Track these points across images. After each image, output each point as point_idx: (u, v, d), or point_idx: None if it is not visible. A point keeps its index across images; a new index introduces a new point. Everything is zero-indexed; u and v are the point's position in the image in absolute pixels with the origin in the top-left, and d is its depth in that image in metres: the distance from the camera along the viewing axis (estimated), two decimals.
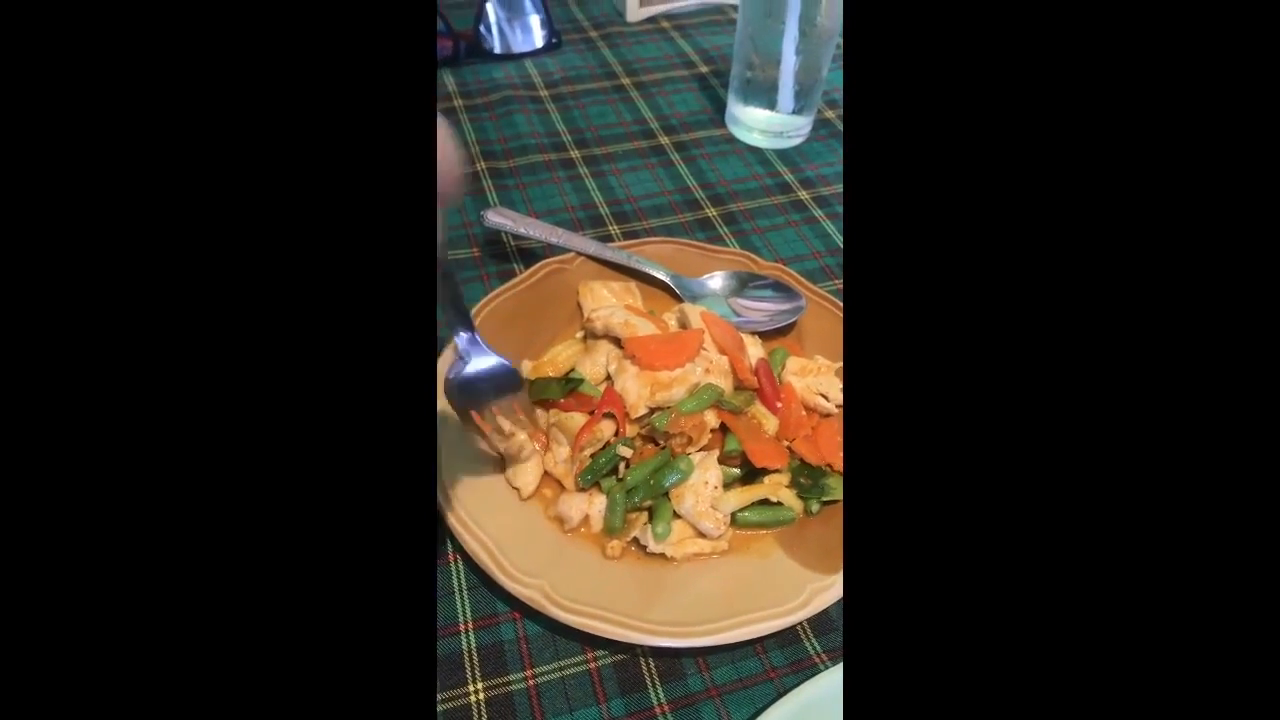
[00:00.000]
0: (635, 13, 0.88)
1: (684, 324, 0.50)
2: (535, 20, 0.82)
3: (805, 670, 0.40)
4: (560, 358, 0.50)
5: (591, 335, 0.50)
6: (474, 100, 0.76)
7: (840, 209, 0.66)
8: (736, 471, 0.45)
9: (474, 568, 0.42)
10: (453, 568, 0.43)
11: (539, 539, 0.42)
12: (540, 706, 0.38)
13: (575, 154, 0.70)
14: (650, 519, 0.43)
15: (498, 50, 0.81)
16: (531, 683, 0.39)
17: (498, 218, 0.58)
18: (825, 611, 0.41)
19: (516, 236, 0.60)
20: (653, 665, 0.40)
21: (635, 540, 0.43)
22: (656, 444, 0.45)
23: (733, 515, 0.44)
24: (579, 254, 0.56)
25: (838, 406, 0.48)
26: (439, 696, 0.38)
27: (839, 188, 0.68)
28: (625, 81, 0.80)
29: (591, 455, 0.44)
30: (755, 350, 0.49)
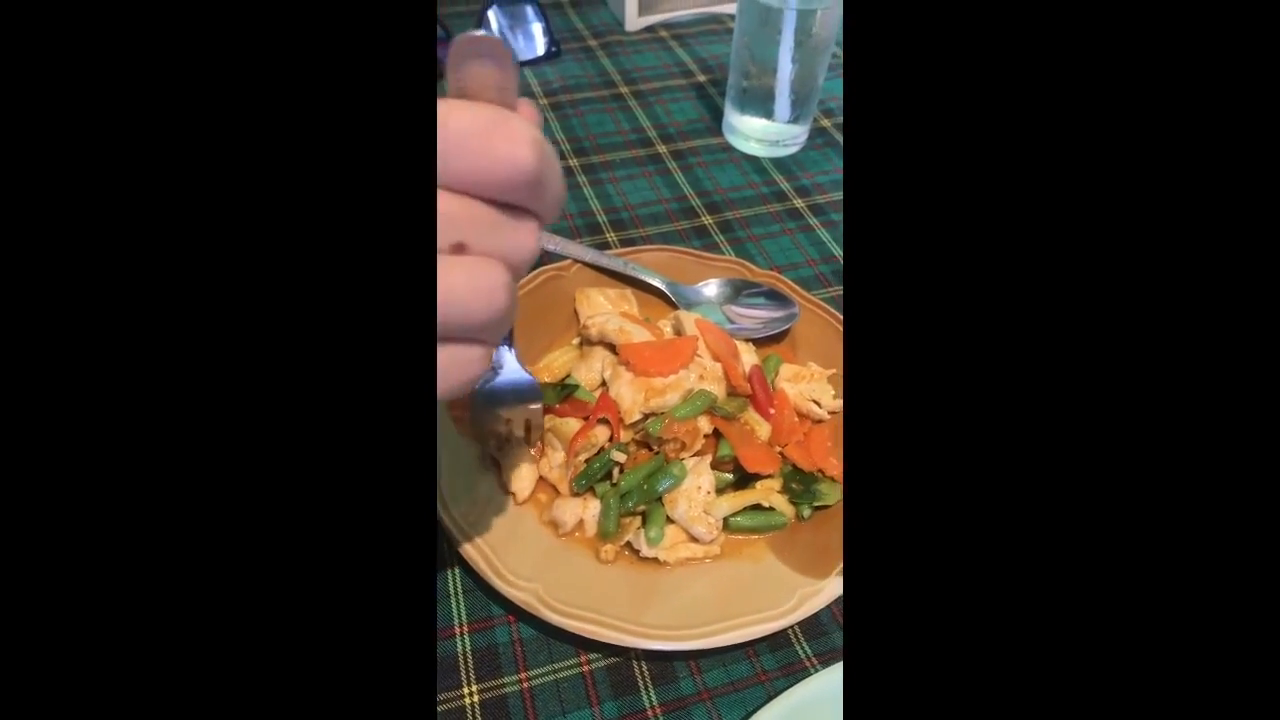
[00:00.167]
0: (634, 22, 0.89)
1: (679, 331, 0.50)
2: (536, 29, 0.83)
3: (796, 673, 0.40)
4: (556, 364, 0.51)
5: (587, 341, 0.50)
6: None
7: (835, 216, 0.66)
8: (729, 477, 0.45)
9: (469, 571, 0.43)
10: (448, 571, 0.43)
11: (534, 543, 0.43)
12: (534, 709, 0.38)
13: (574, 162, 0.71)
14: (644, 523, 0.43)
15: None
16: (525, 685, 0.39)
17: None
18: (816, 615, 0.41)
19: None
20: (645, 668, 0.40)
21: (629, 544, 0.43)
22: (650, 449, 0.45)
23: (725, 520, 0.44)
24: (576, 261, 0.57)
25: (830, 413, 0.49)
26: None
27: (834, 195, 0.69)
28: (624, 90, 0.80)
29: (586, 460, 0.45)
30: (749, 357, 0.50)
